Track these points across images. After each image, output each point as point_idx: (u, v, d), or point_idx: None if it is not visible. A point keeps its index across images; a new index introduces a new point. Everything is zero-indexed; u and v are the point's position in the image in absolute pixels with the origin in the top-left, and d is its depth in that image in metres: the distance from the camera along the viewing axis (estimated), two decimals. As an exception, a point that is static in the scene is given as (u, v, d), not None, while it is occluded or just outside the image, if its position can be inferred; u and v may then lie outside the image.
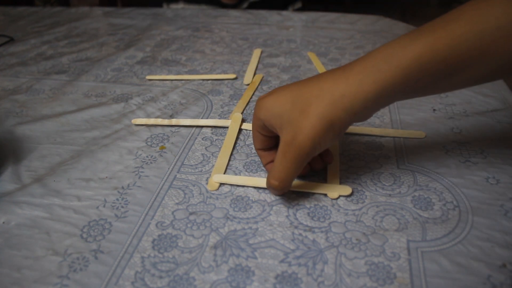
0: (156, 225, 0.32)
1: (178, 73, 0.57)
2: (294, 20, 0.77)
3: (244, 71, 0.57)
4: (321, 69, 0.57)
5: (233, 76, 0.55)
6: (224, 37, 0.71)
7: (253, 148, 0.40)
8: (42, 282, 0.28)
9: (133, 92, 0.52)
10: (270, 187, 0.32)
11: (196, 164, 0.38)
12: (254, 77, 0.55)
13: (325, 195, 0.34)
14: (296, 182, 0.35)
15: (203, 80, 0.55)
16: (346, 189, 0.34)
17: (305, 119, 0.30)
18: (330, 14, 0.79)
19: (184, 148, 0.41)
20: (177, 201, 0.34)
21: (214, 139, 0.42)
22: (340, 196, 0.34)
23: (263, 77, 0.55)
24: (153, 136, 0.43)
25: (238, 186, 0.36)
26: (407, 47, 0.28)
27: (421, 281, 0.27)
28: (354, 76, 0.29)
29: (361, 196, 0.34)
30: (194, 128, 0.44)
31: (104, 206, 0.34)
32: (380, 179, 0.36)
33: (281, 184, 0.31)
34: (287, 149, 0.30)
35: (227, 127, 0.44)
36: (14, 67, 0.61)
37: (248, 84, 0.53)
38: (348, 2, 2.38)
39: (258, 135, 0.35)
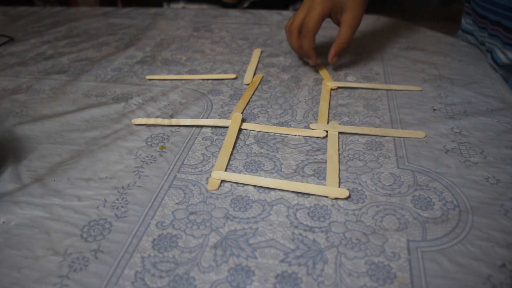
0: (156, 225, 0.32)
1: (178, 73, 0.57)
2: (294, 20, 0.77)
3: (244, 71, 0.57)
4: (321, 68, 0.57)
5: (233, 76, 0.55)
6: (224, 37, 0.71)
7: (253, 148, 0.40)
8: (42, 282, 0.28)
9: (133, 92, 0.52)
10: (345, 43, 0.53)
11: (196, 164, 0.38)
12: (254, 77, 0.55)
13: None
14: (295, 183, 0.36)
15: (203, 80, 0.55)
16: (344, 192, 0.34)
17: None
18: (330, 14, 0.79)
19: (184, 148, 0.41)
20: (177, 201, 0.34)
21: (214, 139, 0.42)
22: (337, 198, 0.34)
23: (263, 77, 0.55)
24: (153, 136, 0.43)
25: (238, 186, 0.36)
26: None
27: (421, 281, 0.27)
28: None
29: (361, 196, 0.34)
30: (194, 128, 0.44)
31: (104, 206, 0.34)
32: (380, 179, 0.36)
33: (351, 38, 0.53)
34: (354, 22, 0.52)
35: (227, 127, 0.44)
36: (14, 67, 0.61)
37: (248, 84, 0.53)
38: (348, 2, 2.37)
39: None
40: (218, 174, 0.36)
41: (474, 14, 0.58)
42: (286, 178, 0.36)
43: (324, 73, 0.55)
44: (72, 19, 0.83)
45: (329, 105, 0.48)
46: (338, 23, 0.54)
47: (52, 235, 0.31)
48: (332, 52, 0.54)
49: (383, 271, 0.28)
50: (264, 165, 0.38)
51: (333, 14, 0.53)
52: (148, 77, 0.56)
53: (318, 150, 0.40)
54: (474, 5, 0.57)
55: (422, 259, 0.28)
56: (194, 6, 0.95)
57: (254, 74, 0.56)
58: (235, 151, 0.40)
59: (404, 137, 0.41)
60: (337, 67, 0.57)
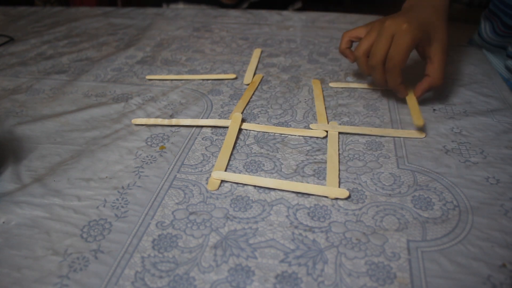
0: (156, 225, 0.32)
1: (178, 73, 0.57)
2: (294, 20, 0.77)
3: (244, 71, 0.57)
4: (411, 102, 0.53)
5: (233, 76, 0.55)
6: (224, 37, 0.71)
7: (253, 148, 0.40)
8: (42, 282, 0.28)
9: (133, 92, 0.52)
10: (440, 81, 0.45)
11: (196, 164, 0.38)
12: (254, 77, 0.55)
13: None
14: (295, 183, 0.36)
15: (203, 80, 0.55)
16: (344, 193, 0.34)
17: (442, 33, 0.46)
18: (330, 14, 0.79)
19: (184, 148, 0.41)
20: (177, 201, 0.34)
21: (214, 139, 0.42)
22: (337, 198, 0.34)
23: (263, 77, 0.55)
24: (153, 136, 0.43)
25: (238, 186, 0.36)
26: None
27: (421, 281, 0.27)
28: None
29: (361, 196, 0.34)
30: (194, 128, 0.44)
31: (104, 206, 0.34)
32: (380, 179, 0.36)
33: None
34: (445, 56, 0.46)
35: (227, 127, 0.44)
36: (14, 67, 0.61)
37: (248, 84, 0.53)
38: (348, 2, 2.38)
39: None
40: (218, 174, 0.36)
41: (498, 22, 0.58)
42: (286, 178, 0.36)
43: (414, 110, 0.44)
44: (72, 19, 0.83)
45: (324, 103, 0.48)
46: (423, 54, 0.47)
47: (52, 235, 0.31)
48: (424, 87, 0.46)
49: (383, 271, 0.28)
50: (264, 165, 0.38)
51: (420, 46, 0.46)
52: (148, 77, 0.56)
53: (318, 150, 0.40)
54: (502, 14, 0.57)
55: (422, 259, 0.28)
56: (193, 7, 0.95)
57: (254, 74, 0.56)
58: (235, 151, 0.40)
59: (404, 137, 0.41)
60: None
